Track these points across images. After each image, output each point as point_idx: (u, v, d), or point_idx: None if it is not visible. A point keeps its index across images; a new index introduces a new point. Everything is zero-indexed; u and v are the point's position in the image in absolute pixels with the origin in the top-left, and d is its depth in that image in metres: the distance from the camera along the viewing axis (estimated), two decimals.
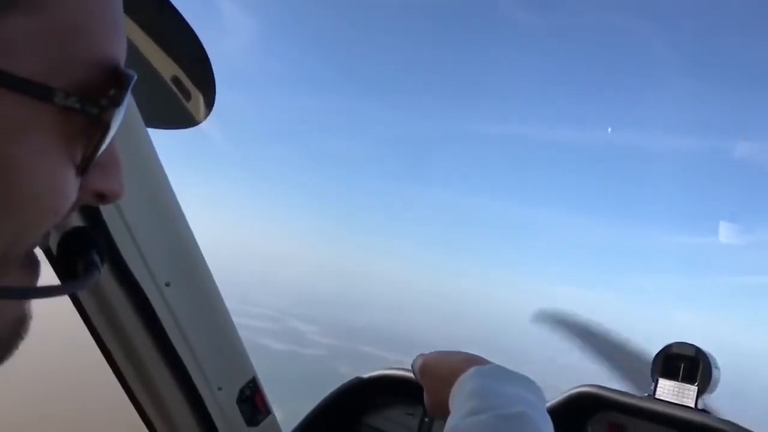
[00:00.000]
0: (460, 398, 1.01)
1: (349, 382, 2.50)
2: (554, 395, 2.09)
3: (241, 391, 1.82)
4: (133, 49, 1.28)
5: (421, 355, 1.26)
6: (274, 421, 2.00)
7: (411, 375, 2.50)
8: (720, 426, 1.76)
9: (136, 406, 1.67)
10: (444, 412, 1.06)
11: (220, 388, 1.73)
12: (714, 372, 1.90)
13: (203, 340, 1.65)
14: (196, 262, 1.62)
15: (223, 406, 1.75)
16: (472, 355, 1.16)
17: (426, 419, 2.42)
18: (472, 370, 1.03)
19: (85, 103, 0.47)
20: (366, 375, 2.50)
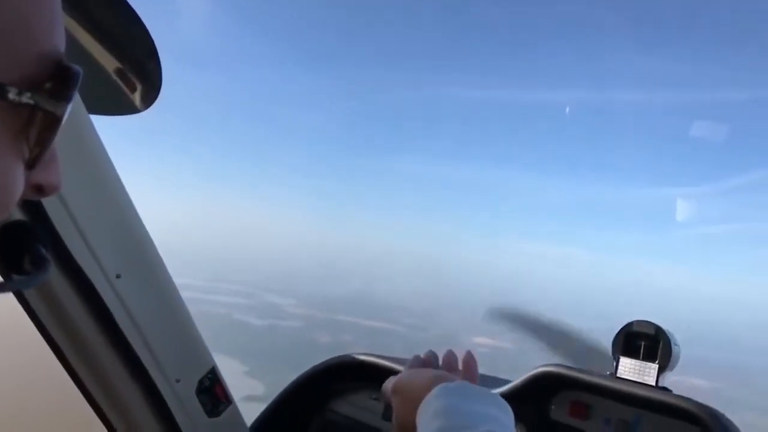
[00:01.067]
0: (425, 418, 0.97)
1: (313, 368, 2.50)
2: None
3: (201, 382, 1.79)
4: (77, 36, 1.24)
5: (393, 377, 1.21)
6: (236, 411, 1.98)
7: (375, 360, 2.40)
8: (679, 403, 1.79)
9: (91, 403, 1.63)
10: None
11: (178, 380, 1.70)
12: (674, 349, 1.91)
13: (158, 333, 1.61)
14: (147, 252, 1.57)
15: (182, 398, 1.72)
16: (441, 373, 1.14)
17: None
18: (437, 389, 1.00)
19: (38, 98, 0.47)
20: (329, 361, 2.48)
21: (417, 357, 1.28)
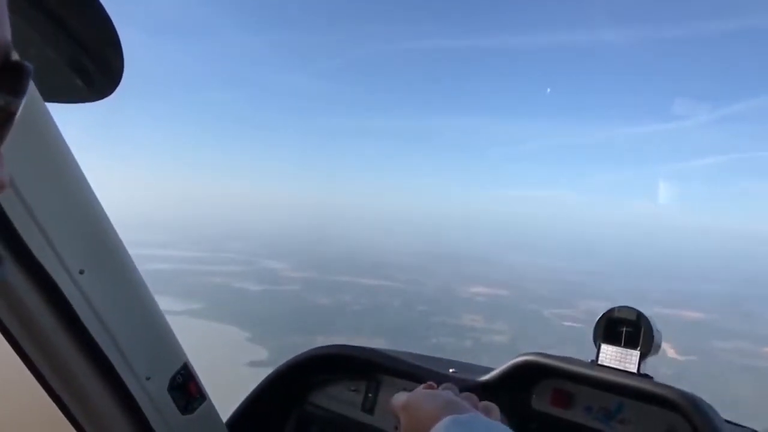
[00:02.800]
0: None
1: (289, 361, 2.46)
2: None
3: (173, 379, 1.74)
4: (34, 23, 1.19)
5: (405, 391, 1.19)
6: (211, 407, 1.95)
7: (352, 352, 2.38)
8: (661, 391, 1.78)
9: (58, 404, 1.58)
10: None
11: (148, 378, 1.66)
12: (656, 335, 1.90)
13: (126, 329, 1.56)
14: (112, 246, 1.51)
15: (153, 396, 1.68)
16: (454, 400, 1.10)
17: (369, 395, 2.40)
18: (447, 420, 0.97)
19: None
20: (306, 353, 2.45)
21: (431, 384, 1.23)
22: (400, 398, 1.16)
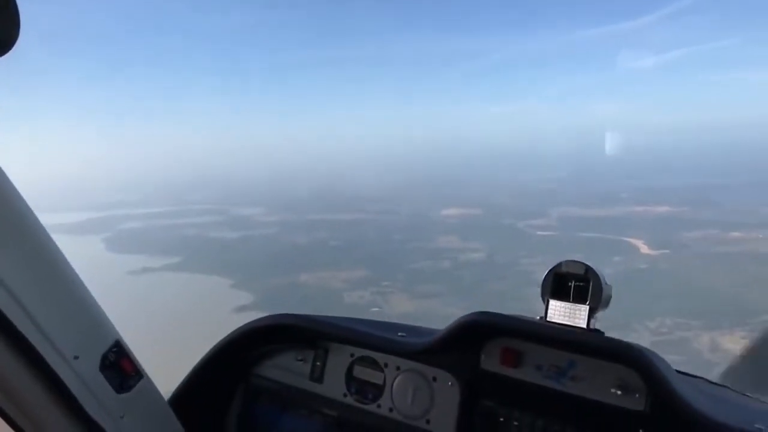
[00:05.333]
0: None
1: (231, 334, 2.39)
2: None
3: (104, 358, 1.66)
4: None
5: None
6: (149, 384, 1.86)
7: (296, 321, 2.24)
8: (611, 346, 1.74)
9: None
10: None
11: (76, 357, 1.56)
12: (605, 289, 1.83)
13: (47, 308, 1.45)
14: (24, 221, 1.39)
15: (83, 376, 1.58)
16: None
17: (317, 363, 2.35)
18: None
19: None
20: (250, 324, 2.38)
21: None
22: None
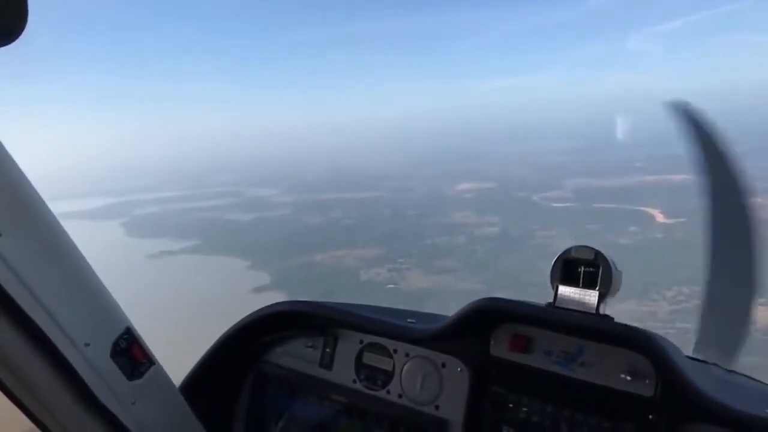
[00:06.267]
0: None
1: (241, 321, 2.40)
2: None
3: (115, 345, 1.67)
4: None
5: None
6: (161, 370, 1.87)
7: (305, 308, 2.28)
8: (621, 331, 1.72)
9: None
10: None
11: (87, 344, 1.57)
12: (615, 274, 1.80)
13: (56, 294, 1.46)
14: (32, 206, 1.39)
15: (93, 363, 1.59)
16: None
17: (327, 350, 2.37)
18: None
19: None
20: (259, 312, 2.39)
21: None
22: None
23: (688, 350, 2.36)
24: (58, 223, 1.46)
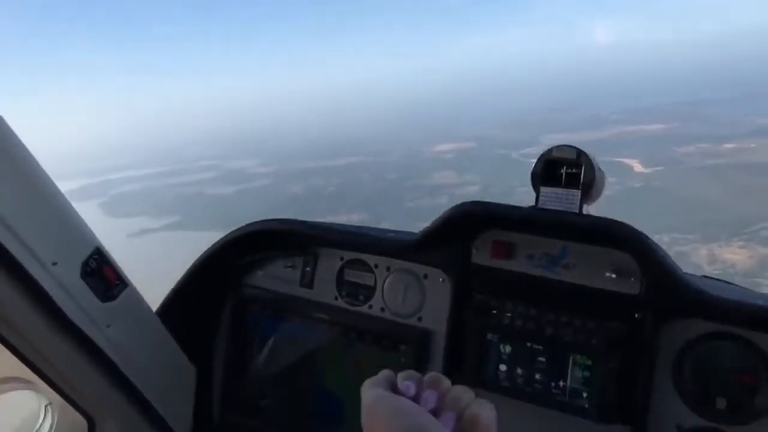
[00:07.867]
0: None
1: (219, 241, 2.33)
2: None
3: (85, 264, 1.62)
4: None
5: (377, 391, 0.94)
6: (135, 292, 1.83)
7: (282, 226, 2.21)
8: (606, 226, 1.68)
9: None
10: None
11: (54, 263, 1.53)
12: (597, 174, 1.74)
13: (20, 213, 1.43)
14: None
15: (63, 282, 1.56)
16: (417, 425, 0.87)
17: (307, 269, 2.33)
18: None
19: None
20: (236, 232, 2.32)
21: (389, 376, 0.97)
22: (365, 394, 0.96)
23: None
24: (17, 138, 1.42)
